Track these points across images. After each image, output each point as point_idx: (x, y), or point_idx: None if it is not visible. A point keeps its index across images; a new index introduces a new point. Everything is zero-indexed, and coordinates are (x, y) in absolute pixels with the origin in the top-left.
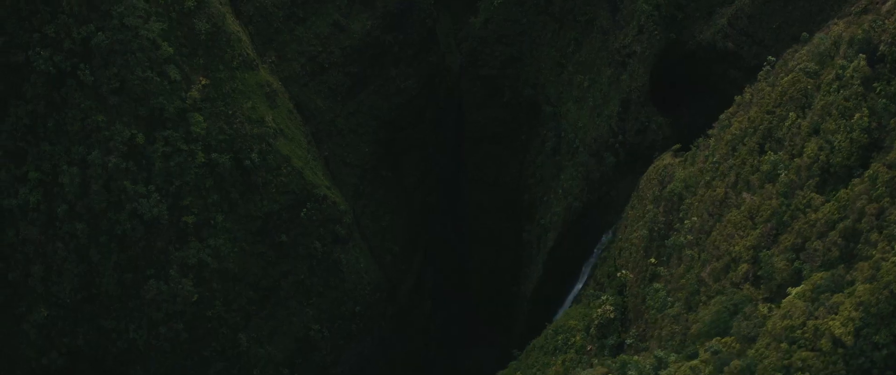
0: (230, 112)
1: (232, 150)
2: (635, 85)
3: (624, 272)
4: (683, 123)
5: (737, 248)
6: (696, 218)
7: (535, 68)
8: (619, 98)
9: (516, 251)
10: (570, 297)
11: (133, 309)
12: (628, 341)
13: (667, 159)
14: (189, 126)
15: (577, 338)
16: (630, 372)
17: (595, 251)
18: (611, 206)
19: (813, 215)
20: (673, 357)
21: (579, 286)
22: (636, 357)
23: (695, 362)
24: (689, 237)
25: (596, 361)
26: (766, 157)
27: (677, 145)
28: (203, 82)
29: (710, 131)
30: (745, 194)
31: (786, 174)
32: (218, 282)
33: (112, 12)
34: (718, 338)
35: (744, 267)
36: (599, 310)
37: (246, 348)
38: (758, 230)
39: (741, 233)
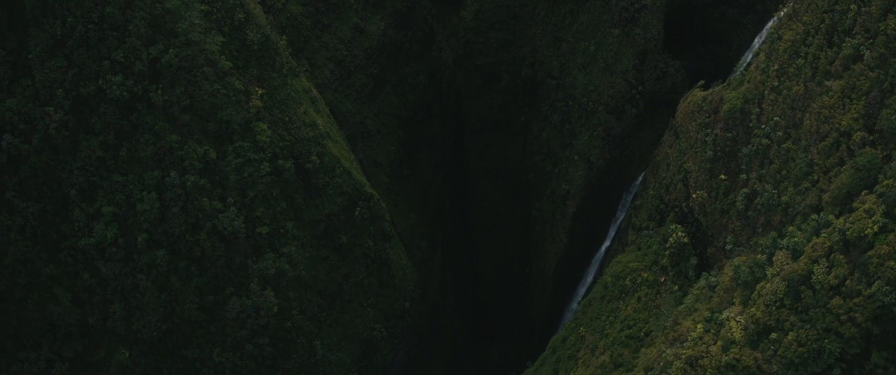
0: (287, 118)
1: (292, 155)
2: (650, 35)
3: (699, 192)
4: (690, 67)
5: (844, 122)
6: (777, 118)
7: (531, 48)
8: (633, 52)
9: (522, 238)
10: (599, 255)
11: (216, 332)
12: (728, 246)
13: (697, 94)
14: (255, 136)
15: (646, 275)
16: (790, 240)
17: (620, 205)
18: (632, 159)
19: None
20: (831, 217)
21: (607, 243)
22: (791, 227)
23: (864, 206)
24: (779, 133)
25: (676, 288)
26: (846, 43)
27: (701, 82)
28: (260, 92)
29: (752, 52)
30: (828, 82)
31: (870, 52)
32: (294, 291)
33: (177, 30)
34: (866, 191)
35: (858, 135)
36: (672, 239)
37: (321, 356)
38: (861, 102)
39: (841, 111)
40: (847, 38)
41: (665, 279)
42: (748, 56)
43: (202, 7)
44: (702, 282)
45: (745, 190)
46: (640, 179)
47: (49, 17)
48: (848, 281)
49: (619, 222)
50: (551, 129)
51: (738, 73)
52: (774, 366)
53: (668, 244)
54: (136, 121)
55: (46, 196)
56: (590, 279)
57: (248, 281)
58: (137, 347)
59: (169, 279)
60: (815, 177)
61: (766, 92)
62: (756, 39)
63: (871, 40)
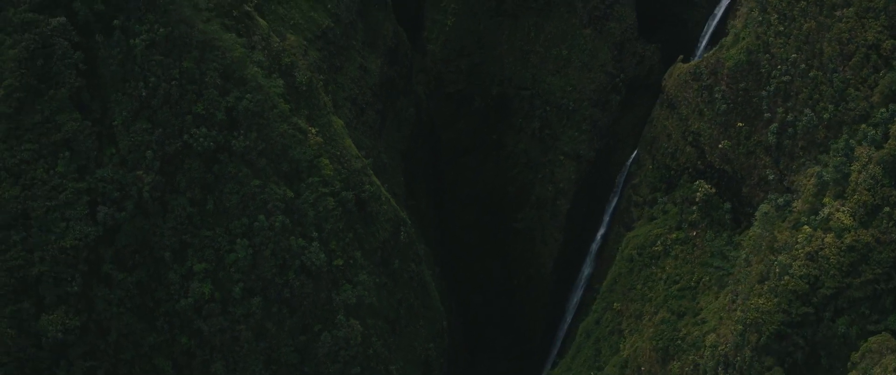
0: (338, 152)
1: (350, 186)
2: (627, 25)
3: (725, 142)
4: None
5: (869, 37)
6: (794, 55)
7: (500, 66)
8: (609, 45)
9: (501, 256)
10: (595, 246)
11: (310, 372)
12: (770, 177)
13: (682, 66)
14: (321, 171)
15: (675, 235)
16: (866, 134)
17: (612, 192)
18: (617, 145)
19: None
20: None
21: (603, 230)
22: (864, 125)
23: None
24: (801, 65)
25: (712, 234)
26: None
27: (681, 56)
28: (314, 130)
29: (738, 12)
30: (838, 12)
31: None
32: (370, 318)
33: (246, 76)
34: None
35: (888, 43)
36: (700, 193)
37: None
38: (880, 19)
39: (861, 31)
40: None
41: (697, 233)
42: (712, 22)
43: (259, 55)
44: (765, 208)
45: (774, 125)
46: (631, 160)
47: (130, 81)
48: None
49: (612, 209)
50: (528, 138)
51: (703, 44)
52: (893, 235)
53: (696, 199)
54: (218, 172)
55: (140, 264)
56: (588, 271)
57: (333, 314)
58: None
59: (265, 325)
60: (852, 91)
61: (771, 38)
62: (717, 9)
63: None
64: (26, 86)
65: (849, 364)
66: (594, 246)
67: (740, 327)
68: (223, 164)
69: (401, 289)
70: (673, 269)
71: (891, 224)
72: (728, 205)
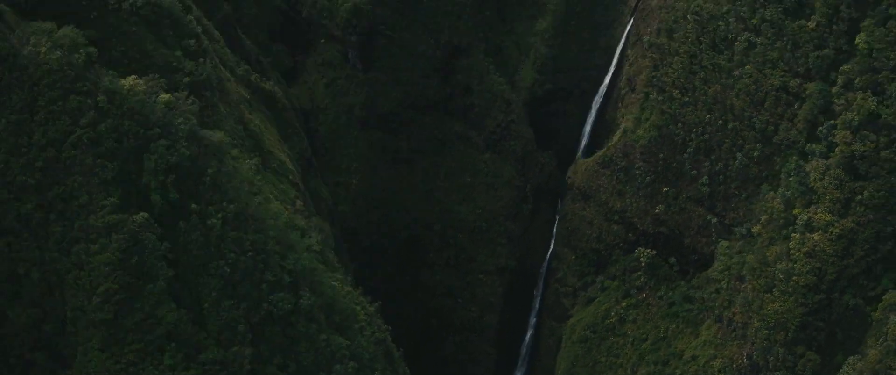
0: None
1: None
2: (526, 140)
3: (660, 206)
4: None
5: (774, 82)
6: (708, 115)
7: (405, 211)
8: (512, 161)
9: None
10: (525, 347)
11: None
12: (712, 220)
13: (584, 162)
14: (357, 316)
15: (625, 303)
16: (811, 149)
17: (535, 295)
18: (529, 253)
19: None
20: (831, 121)
21: (531, 331)
22: (810, 144)
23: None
24: (719, 121)
25: (665, 288)
26: (741, 38)
27: (579, 154)
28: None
29: (623, 103)
30: (737, 71)
31: (762, 38)
32: None
33: (292, 240)
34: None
35: (794, 82)
36: (643, 258)
37: None
38: (779, 67)
39: (764, 79)
40: (736, 38)
41: (647, 294)
42: (587, 128)
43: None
44: (725, 244)
45: (705, 177)
46: (548, 259)
47: (213, 261)
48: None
49: (537, 309)
50: (444, 269)
51: (584, 144)
52: (870, 216)
53: (641, 266)
54: (292, 333)
55: None
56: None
57: None
58: None
59: None
60: (772, 128)
61: (678, 109)
62: (595, 99)
63: (754, 33)
64: (126, 286)
65: (870, 321)
66: (524, 349)
67: (765, 332)
68: (294, 325)
69: None
70: (635, 331)
71: (864, 209)
72: (673, 259)
